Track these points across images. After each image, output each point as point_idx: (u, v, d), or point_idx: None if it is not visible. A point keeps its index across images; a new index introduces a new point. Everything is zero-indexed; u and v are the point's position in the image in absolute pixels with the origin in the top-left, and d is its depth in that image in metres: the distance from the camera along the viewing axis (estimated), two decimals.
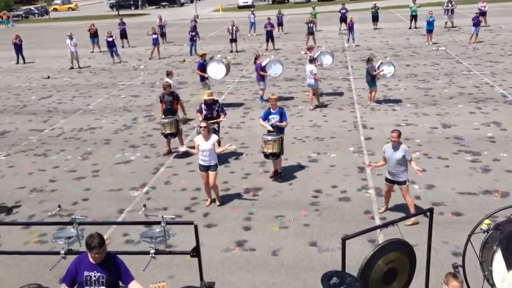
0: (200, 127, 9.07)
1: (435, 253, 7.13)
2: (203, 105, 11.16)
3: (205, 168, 9.14)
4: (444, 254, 7.42)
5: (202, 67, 15.88)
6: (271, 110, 10.16)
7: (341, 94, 16.71)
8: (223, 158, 11.47)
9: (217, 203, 9.43)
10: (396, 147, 8.09)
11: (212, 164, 9.10)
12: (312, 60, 15.28)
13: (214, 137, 9.12)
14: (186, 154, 12.03)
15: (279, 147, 9.96)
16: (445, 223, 8.23)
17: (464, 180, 9.78)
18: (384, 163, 8.37)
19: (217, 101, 11.52)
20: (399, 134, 8.07)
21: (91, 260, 4.89)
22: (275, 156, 10.09)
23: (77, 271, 4.94)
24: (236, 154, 11.87)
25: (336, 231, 8.20)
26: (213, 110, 11.06)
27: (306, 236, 8.14)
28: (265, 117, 10.23)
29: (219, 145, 9.66)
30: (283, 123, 10.13)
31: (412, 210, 8.18)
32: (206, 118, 10.78)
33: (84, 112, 16.37)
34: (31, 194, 10.36)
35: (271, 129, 10.13)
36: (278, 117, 10.07)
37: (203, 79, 16.05)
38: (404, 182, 8.20)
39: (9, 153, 12.92)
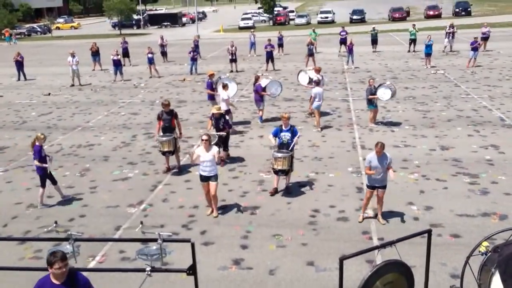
0: (202, 140, 9.26)
1: (433, 275, 7.08)
2: (212, 117, 12.16)
3: (206, 178, 9.37)
4: (442, 276, 7.37)
5: (211, 86, 16.02)
6: (283, 128, 10.38)
7: (340, 115, 16.78)
8: (221, 176, 11.46)
9: (215, 214, 9.59)
10: (382, 157, 8.62)
11: (213, 174, 9.32)
12: (319, 83, 15.45)
13: (214, 149, 9.37)
14: (184, 172, 12.05)
15: (289, 164, 10.13)
16: (443, 245, 8.19)
17: (462, 202, 9.76)
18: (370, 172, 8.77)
19: (224, 115, 12.35)
20: (382, 147, 8.59)
21: (53, 280, 4.66)
22: (284, 173, 10.25)
23: None
24: (234, 173, 11.87)
25: (333, 251, 8.15)
26: (219, 124, 11.97)
27: (303, 256, 8.09)
28: (276, 134, 10.43)
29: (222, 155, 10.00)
30: (296, 139, 10.38)
31: (381, 211, 9.11)
32: (215, 128, 12.01)
33: (83, 129, 16.40)
34: (28, 210, 10.31)
35: (274, 144, 10.45)
36: (289, 134, 10.29)
37: (211, 97, 16.10)
38: (386, 186, 8.92)
39: (7, 168, 12.90)
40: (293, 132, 10.35)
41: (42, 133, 10.43)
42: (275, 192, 10.57)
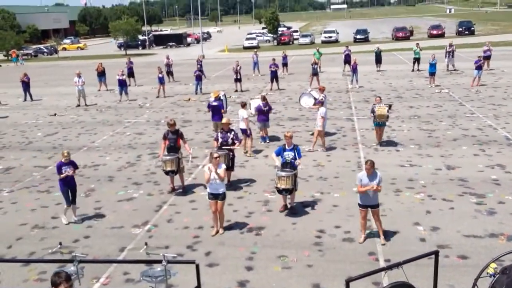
0: (214, 157, 9.28)
1: None
2: (219, 133, 12.04)
3: (214, 197, 9.40)
4: None
5: (223, 106, 16.20)
6: (286, 147, 10.39)
7: (344, 134, 16.78)
8: (226, 196, 11.44)
9: (221, 231, 9.65)
10: (372, 175, 8.71)
11: (221, 192, 9.36)
12: (323, 102, 15.46)
13: (223, 167, 9.43)
14: (188, 192, 12.03)
15: (292, 183, 10.11)
16: (450, 267, 8.09)
17: (469, 223, 9.67)
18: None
19: (232, 130, 12.25)
20: (371, 165, 8.69)
21: None
22: (288, 192, 10.24)
23: None
24: (239, 193, 11.84)
25: (339, 272, 8.07)
26: (228, 138, 11.84)
27: (309, 277, 8.01)
28: (279, 153, 10.46)
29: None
30: (297, 161, 10.36)
31: (381, 231, 9.06)
32: (221, 145, 11.71)
33: (88, 149, 16.46)
34: (32, 231, 10.29)
35: (277, 164, 10.46)
36: (292, 154, 10.29)
37: (218, 118, 16.04)
38: (378, 205, 8.95)
39: (12, 189, 12.92)
40: (296, 151, 10.35)
41: (67, 151, 10.54)
42: (284, 208, 10.60)
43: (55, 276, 4.61)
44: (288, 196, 10.53)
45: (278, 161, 10.49)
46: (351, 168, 13.24)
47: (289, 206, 10.65)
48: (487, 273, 5.69)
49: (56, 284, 4.57)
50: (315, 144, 15.04)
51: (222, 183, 9.40)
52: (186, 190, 12.12)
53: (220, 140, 11.96)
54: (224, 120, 12.34)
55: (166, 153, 11.87)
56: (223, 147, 11.83)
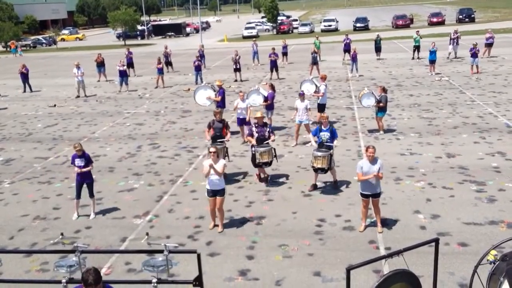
0: (210, 152, 9.11)
1: (441, 284, 7.02)
2: (253, 128, 11.62)
3: (213, 193, 9.19)
4: (450, 285, 7.31)
5: (224, 94, 16.21)
6: (322, 127, 10.80)
7: (345, 123, 16.77)
8: (227, 186, 11.44)
9: (220, 229, 9.41)
10: (373, 161, 8.66)
11: (220, 188, 9.19)
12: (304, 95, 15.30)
13: (222, 162, 9.23)
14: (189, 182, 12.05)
15: (328, 163, 10.48)
16: (451, 254, 8.13)
17: (469, 210, 9.70)
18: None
19: (267, 123, 11.98)
20: (374, 149, 8.73)
21: None
22: (324, 171, 10.64)
23: None
24: (240, 183, 11.85)
25: (340, 260, 8.11)
26: (264, 132, 11.54)
27: (310, 266, 8.04)
28: (315, 134, 10.90)
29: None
30: (334, 143, 10.81)
31: (379, 219, 9.04)
32: (258, 140, 11.39)
33: (89, 140, 16.46)
34: (34, 222, 10.33)
35: (313, 143, 10.96)
36: (328, 134, 10.72)
37: (223, 105, 16.10)
38: (379, 194, 8.91)
39: (13, 180, 12.94)
40: (332, 131, 10.75)
41: (78, 143, 10.31)
42: (313, 188, 11.02)
43: (85, 274, 4.60)
44: (323, 174, 10.87)
45: (314, 141, 10.94)
46: (351, 157, 13.25)
47: (333, 181, 11.17)
48: (487, 260, 5.71)
49: (87, 283, 4.57)
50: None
51: (221, 178, 9.17)
52: (188, 180, 12.11)
53: (256, 135, 11.46)
54: (259, 114, 11.56)
55: (212, 143, 11.66)
56: (264, 143, 11.34)
